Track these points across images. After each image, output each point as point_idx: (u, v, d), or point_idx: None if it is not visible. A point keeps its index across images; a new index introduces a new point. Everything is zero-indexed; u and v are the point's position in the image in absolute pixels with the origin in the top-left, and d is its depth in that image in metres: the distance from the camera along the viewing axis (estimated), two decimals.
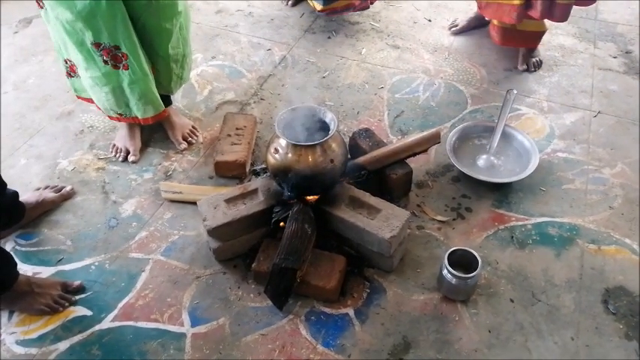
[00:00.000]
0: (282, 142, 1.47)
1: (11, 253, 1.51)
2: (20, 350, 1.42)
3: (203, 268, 1.59)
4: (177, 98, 2.17)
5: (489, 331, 1.44)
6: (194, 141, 2.00)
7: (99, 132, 2.05)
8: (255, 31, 2.57)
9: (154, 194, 1.81)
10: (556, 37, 2.49)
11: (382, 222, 1.49)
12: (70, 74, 1.83)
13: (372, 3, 2.52)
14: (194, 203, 1.67)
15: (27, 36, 2.58)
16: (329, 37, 2.52)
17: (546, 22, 2.19)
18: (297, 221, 1.47)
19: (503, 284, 1.54)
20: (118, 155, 1.93)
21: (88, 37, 1.60)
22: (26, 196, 1.71)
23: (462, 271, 1.45)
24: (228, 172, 1.85)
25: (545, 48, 2.40)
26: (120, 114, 1.83)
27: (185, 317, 1.48)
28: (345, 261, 1.53)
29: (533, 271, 1.57)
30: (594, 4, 2.23)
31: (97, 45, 1.62)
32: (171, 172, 1.89)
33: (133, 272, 1.58)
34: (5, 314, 1.49)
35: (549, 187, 1.81)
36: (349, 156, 1.67)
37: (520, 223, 1.71)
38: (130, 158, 1.92)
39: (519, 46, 2.29)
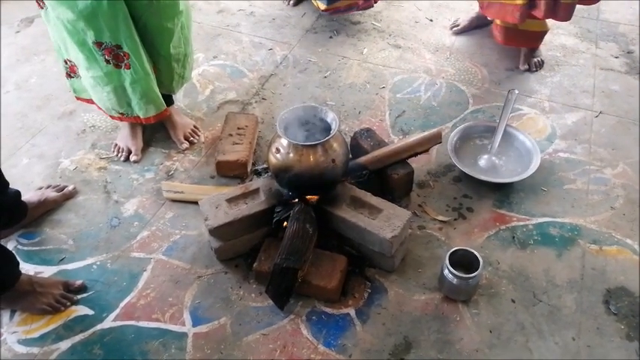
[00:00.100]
0: (284, 141, 1.47)
1: (13, 252, 1.51)
2: (22, 349, 1.42)
3: (204, 268, 1.60)
4: (179, 98, 2.18)
5: (490, 332, 1.44)
6: (196, 141, 2.01)
7: (101, 131, 2.06)
8: (256, 31, 2.58)
9: (155, 194, 1.81)
10: (558, 37, 2.48)
11: (383, 222, 1.49)
12: (69, 75, 1.83)
13: (375, 2, 2.52)
14: (196, 203, 1.67)
15: (29, 35, 2.58)
16: (330, 37, 2.53)
17: (548, 21, 2.19)
18: (298, 221, 1.47)
19: (504, 284, 1.54)
20: (119, 155, 1.94)
21: (90, 37, 1.60)
22: (28, 196, 1.72)
23: (463, 271, 1.45)
24: (230, 172, 1.85)
25: (547, 48, 2.40)
26: (121, 113, 1.83)
27: (186, 317, 1.48)
28: (346, 261, 1.53)
29: (534, 272, 1.57)
30: (597, 4, 2.23)
31: (98, 44, 1.62)
32: (172, 172, 1.89)
33: (134, 272, 1.59)
34: (7, 313, 1.49)
35: (551, 187, 1.81)
36: (350, 156, 1.67)
37: (521, 223, 1.71)
38: (132, 158, 1.92)
39: (521, 45, 2.29)
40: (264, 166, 1.88)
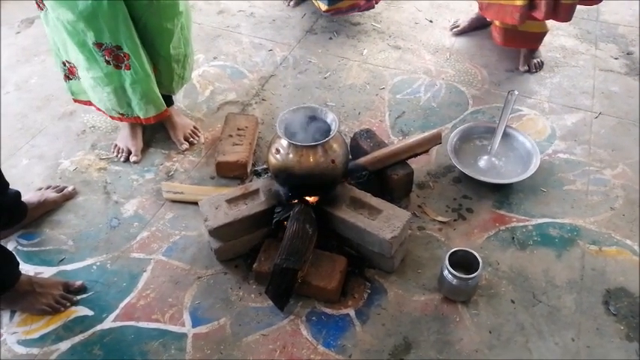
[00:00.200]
0: (284, 142, 1.47)
1: (13, 252, 1.51)
2: (22, 350, 1.42)
3: (204, 269, 1.60)
4: (179, 98, 2.18)
5: (490, 332, 1.44)
6: (195, 141, 2.01)
7: (101, 132, 2.06)
8: (256, 32, 2.58)
9: (155, 194, 1.81)
10: (557, 38, 2.49)
11: (383, 222, 1.49)
12: (68, 77, 1.83)
13: (376, 3, 2.52)
14: (195, 203, 1.68)
15: (29, 36, 2.58)
16: (330, 38, 2.53)
17: (548, 23, 2.19)
18: (298, 222, 1.47)
19: (504, 285, 1.54)
20: (119, 155, 1.94)
21: (90, 38, 1.60)
22: (28, 196, 1.72)
23: (463, 272, 1.45)
24: (230, 173, 1.85)
25: (547, 49, 2.40)
26: (122, 114, 1.83)
27: (186, 317, 1.48)
28: (345, 261, 1.53)
29: (534, 272, 1.57)
30: (598, 4, 2.22)
31: (98, 45, 1.62)
32: (172, 173, 1.90)
33: (134, 272, 1.59)
34: (7, 314, 1.49)
35: (550, 188, 1.81)
36: (350, 156, 1.67)
37: (521, 224, 1.71)
38: (132, 158, 1.92)
39: (521, 47, 2.29)
40: (264, 166, 1.88)
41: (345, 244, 1.60)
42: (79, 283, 1.54)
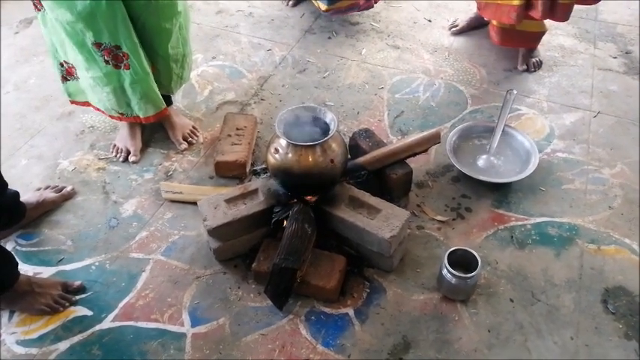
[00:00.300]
0: (283, 142, 1.48)
1: (12, 252, 1.51)
2: (20, 350, 1.42)
3: (203, 268, 1.60)
4: (178, 98, 2.18)
5: (489, 331, 1.44)
6: (194, 141, 2.01)
7: (99, 132, 2.06)
8: (255, 32, 2.58)
9: (154, 194, 1.81)
10: (556, 38, 2.49)
11: (382, 222, 1.49)
12: (65, 78, 1.83)
13: (375, 2, 2.52)
14: (194, 203, 1.68)
15: (28, 36, 2.58)
16: (329, 38, 2.53)
17: (546, 22, 2.19)
18: (297, 221, 1.47)
19: (502, 284, 1.55)
20: (118, 155, 1.94)
21: (89, 38, 1.60)
22: (27, 197, 1.72)
23: (462, 271, 1.45)
24: (229, 172, 1.85)
25: (545, 48, 2.40)
26: (121, 113, 1.83)
27: (185, 317, 1.48)
28: (345, 261, 1.53)
29: (532, 271, 1.57)
30: (596, 4, 2.22)
31: (97, 45, 1.62)
32: (171, 172, 1.90)
33: (133, 272, 1.59)
34: (6, 314, 1.49)
35: (549, 187, 1.82)
36: (349, 156, 1.67)
37: (520, 223, 1.71)
38: (131, 158, 1.92)
39: (519, 46, 2.29)
40: (263, 166, 1.88)
41: (344, 244, 1.60)
42: (77, 283, 1.54)
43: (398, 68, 2.34)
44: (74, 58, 1.71)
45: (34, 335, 1.45)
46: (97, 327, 1.46)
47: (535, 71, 2.30)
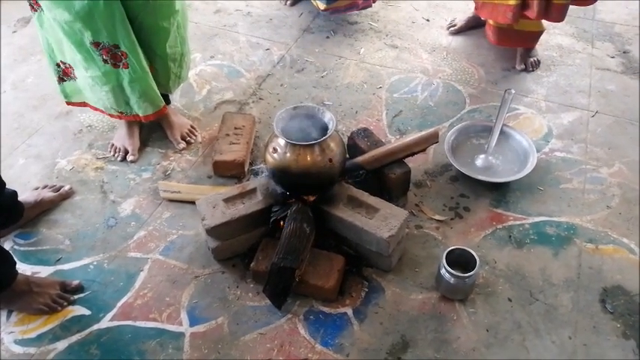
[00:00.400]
0: (281, 141, 1.47)
1: (10, 252, 1.51)
2: (19, 350, 1.42)
3: (202, 268, 1.60)
4: (176, 98, 2.17)
5: (487, 330, 1.44)
6: (193, 140, 2.01)
7: (97, 132, 2.05)
8: (253, 31, 2.58)
9: (152, 194, 1.81)
10: (554, 37, 2.49)
11: (380, 221, 1.49)
12: (62, 78, 1.82)
13: (374, 2, 2.52)
14: (193, 203, 1.68)
15: (26, 35, 2.57)
16: (327, 37, 2.53)
17: (544, 22, 2.20)
18: (295, 221, 1.47)
19: (501, 283, 1.55)
20: (116, 155, 1.94)
21: (87, 37, 1.60)
22: (25, 196, 1.71)
23: (460, 271, 1.45)
24: (227, 172, 1.85)
25: (543, 48, 2.41)
26: (120, 112, 1.83)
27: (184, 316, 1.48)
28: (343, 260, 1.53)
29: (530, 271, 1.58)
30: (592, 5, 2.23)
31: (96, 44, 1.62)
32: (169, 172, 1.89)
33: (131, 272, 1.59)
34: (4, 314, 1.49)
35: (547, 186, 1.82)
36: (348, 155, 1.67)
37: (518, 222, 1.71)
38: (129, 158, 1.92)
39: (516, 45, 2.29)
40: (262, 165, 1.88)
41: (342, 243, 1.60)
42: (76, 282, 1.54)
43: (396, 68, 2.35)
44: (72, 57, 1.71)
45: (33, 335, 1.45)
46: (95, 326, 1.46)
47: (533, 71, 2.30)
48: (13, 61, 2.42)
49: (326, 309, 1.49)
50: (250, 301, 1.51)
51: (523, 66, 2.30)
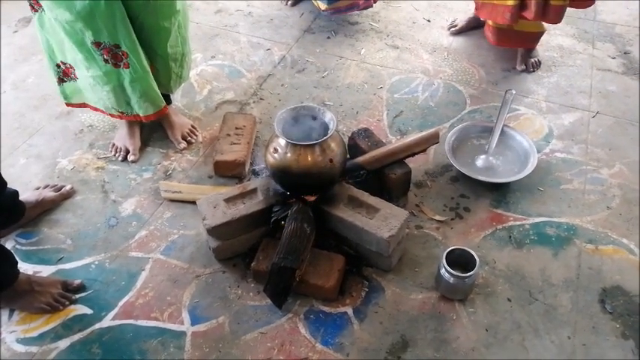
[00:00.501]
0: (282, 141, 1.48)
1: (11, 251, 1.52)
2: (21, 349, 1.42)
3: (203, 267, 1.60)
4: (177, 98, 2.18)
5: (487, 330, 1.45)
6: (193, 140, 2.01)
7: (98, 131, 2.06)
8: (254, 31, 2.58)
9: (153, 193, 1.82)
10: (555, 38, 2.49)
11: (381, 221, 1.49)
12: (62, 79, 1.83)
13: (375, 2, 2.53)
14: (194, 202, 1.68)
15: (26, 35, 2.58)
16: (328, 37, 2.53)
17: (544, 23, 2.20)
18: (296, 221, 1.47)
19: (500, 283, 1.55)
20: (117, 154, 1.94)
21: (88, 37, 1.60)
22: (26, 196, 1.72)
23: (460, 271, 1.45)
24: (228, 172, 1.85)
25: (544, 48, 2.41)
26: (121, 112, 1.84)
27: (185, 316, 1.48)
28: (343, 260, 1.53)
29: (530, 271, 1.58)
30: (591, 7, 2.23)
31: (97, 44, 1.62)
32: (170, 172, 1.90)
33: (133, 271, 1.59)
34: (6, 313, 1.50)
35: (547, 187, 1.82)
36: (348, 156, 1.67)
37: (518, 222, 1.71)
38: (130, 157, 1.92)
39: (515, 46, 2.30)
40: (262, 165, 1.88)
41: (342, 243, 1.60)
42: (77, 281, 1.55)
43: (397, 68, 2.35)
44: (73, 57, 1.71)
45: (34, 334, 1.45)
46: (97, 325, 1.46)
47: (534, 71, 2.31)
48: (13, 61, 2.43)
49: (326, 308, 1.49)
50: (251, 300, 1.52)
51: (524, 66, 2.30)
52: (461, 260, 1.49)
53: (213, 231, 1.52)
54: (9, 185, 1.59)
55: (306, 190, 1.57)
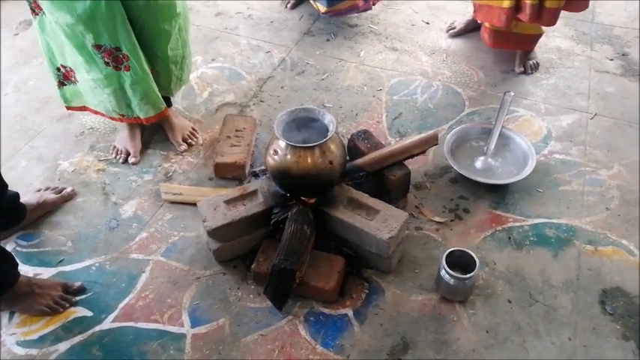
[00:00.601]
0: (282, 143, 1.48)
1: (12, 253, 1.52)
2: (21, 351, 1.42)
3: (203, 269, 1.60)
4: (177, 100, 2.18)
5: (487, 332, 1.45)
6: (194, 143, 2.01)
7: (99, 134, 2.06)
8: (254, 34, 2.59)
9: (154, 195, 1.82)
10: (553, 40, 2.50)
11: (380, 223, 1.50)
12: (62, 83, 1.83)
13: (374, 4, 2.53)
14: (194, 204, 1.68)
15: (27, 38, 2.58)
16: (328, 40, 2.54)
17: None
18: (296, 222, 1.48)
19: (500, 285, 1.55)
20: (118, 157, 1.94)
21: (89, 40, 1.61)
22: (27, 198, 1.72)
23: (460, 272, 1.46)
24: (228, 174, 1.86)
25: (542, 50, 2.42)
26: (122, 115, 1.84)
27: (185, 318, 1.48)
28: (343, 262, 1.54)
29: (530, 272, 1.58)
30: (585, 10, 2.23)
31: (97, 47, 1.63)
32: (171, 174, 1.90)
33: (133, 273, 1.59)
34: (6, 315, 1.50)
35: (546, 188, 1.83)
36: (348, 157, 1.68)
37: (517, 224, 1.72)
38: (131, 160, 1.93)
39: (513, 48, 2.30)
40: (262, 167, 1.89)
41: (342, 245, 1.61)
42: (78, 284, 1.55)
43: (396, 70, 2.35)
44: (74, 60, 1.72)
45: (35, 336, 1.45)
46: (97, 328, 1.46)
47: (532, 73, 2.31)
48: (14, 63, 2.43)
49: (326, 310, 1.50)
50: (251, 302, 1.52)
51: (522, 68, 2.31)
52: (461, 262, 1.49)
53: (213, 233, 1.53)
54: (10, 187, 1.60)
55: (306, 191, 1.57)
